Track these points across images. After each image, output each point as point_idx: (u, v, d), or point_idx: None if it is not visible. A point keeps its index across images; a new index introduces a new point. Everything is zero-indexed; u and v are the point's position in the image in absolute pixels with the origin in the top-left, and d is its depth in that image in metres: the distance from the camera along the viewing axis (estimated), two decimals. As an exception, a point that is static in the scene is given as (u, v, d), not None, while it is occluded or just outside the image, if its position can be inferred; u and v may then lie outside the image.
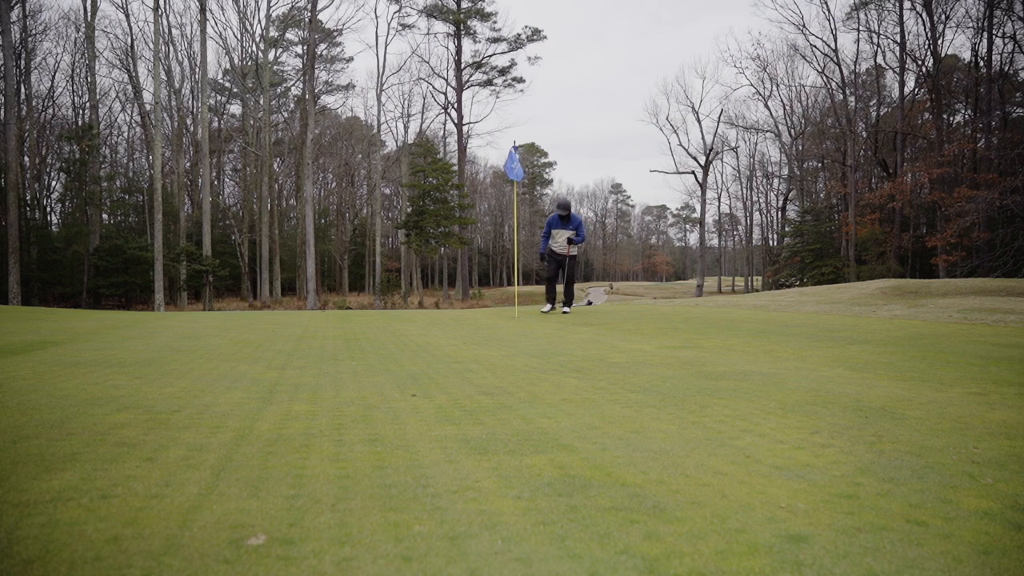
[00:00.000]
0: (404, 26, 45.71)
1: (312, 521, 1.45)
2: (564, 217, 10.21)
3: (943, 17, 33.96)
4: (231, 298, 44.38)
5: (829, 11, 60.59)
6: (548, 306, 10.43)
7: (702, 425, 2.44)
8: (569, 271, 10.18)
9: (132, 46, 39.50)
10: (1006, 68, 32.85)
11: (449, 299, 45.55)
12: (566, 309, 10.26)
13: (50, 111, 41.00)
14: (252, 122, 43.99)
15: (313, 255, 32.94)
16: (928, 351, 4.79)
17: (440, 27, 46.65)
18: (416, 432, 2.33)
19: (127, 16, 40.50)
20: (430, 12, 44.16)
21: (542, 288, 10.56)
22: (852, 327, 6.96)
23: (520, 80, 48.86)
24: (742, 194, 63.71)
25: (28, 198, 35.27)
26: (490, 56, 47.25)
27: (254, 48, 43.71)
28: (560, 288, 10.52)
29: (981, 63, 32.71)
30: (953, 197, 27.22)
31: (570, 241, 10.12)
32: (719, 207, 72.03)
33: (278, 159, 50.27)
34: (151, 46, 33.57)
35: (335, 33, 45.21)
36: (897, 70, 37.77)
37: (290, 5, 41.86)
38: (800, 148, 49.54)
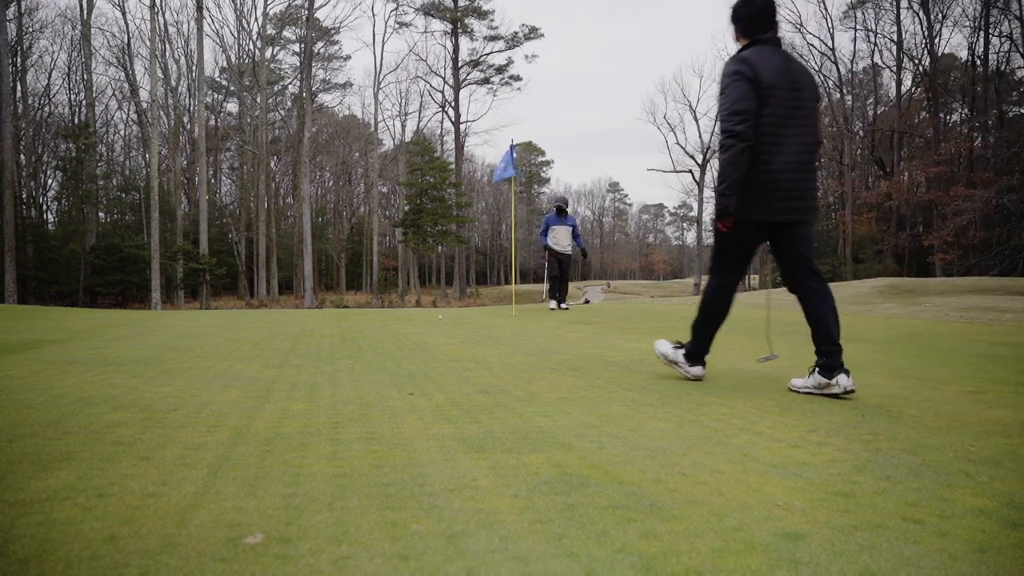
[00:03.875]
0: (401, 24, 45.73)
1: (309, 520, 1.45)
2: (561, 211, 10.52)
3: (940, 16, 34.04)
4: (228, 297, 44.27)
5: (826, 10, 60.43)
6: (554, 303, 10.58)
7: (699, 423, 2.44)
8: (566, 271, 10.68)
9: (129, 44, 39.42)
10: (1002, 67, 32.94)
11: (447, 297, 45.56)
12: (565, 305, 10.50)
13: (46, 109, 40.89)
14: (249, 120, 43.89)
15: (310, 253, 32.90)
16: (924, 349, 4.80)
17: (437, 25, 46.58)
18: (413, 431, 2.32)
19: (123, 14, 40.63)
20: (427, 10, 44.11)
21: (540, 287, 10.59)
22: (849, 326, 6.96)
23: (517, 78, 48.85)
24: (740, 193, 63.66)
25: (24, 196, 35.16)
26: (487, 54, 47.24)
27: (251, 46, 43.64)
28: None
29: (978, 62, 32.79)
30: (950, 196, 27.28)
31: (574, 236, 10.55)
32: (717, 206, 71.92)
33: (275, 157, 50.18)
34: (148, 44, 33.50)
35: (332, 31, 45.15)
36: (894, 69, 37.86)
37: (287, 3, 41.81)
38: (797, 147, 49.47)
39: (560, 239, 10.49)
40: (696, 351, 3.42)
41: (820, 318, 3.06)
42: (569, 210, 10.82)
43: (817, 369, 3.00)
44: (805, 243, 3.14)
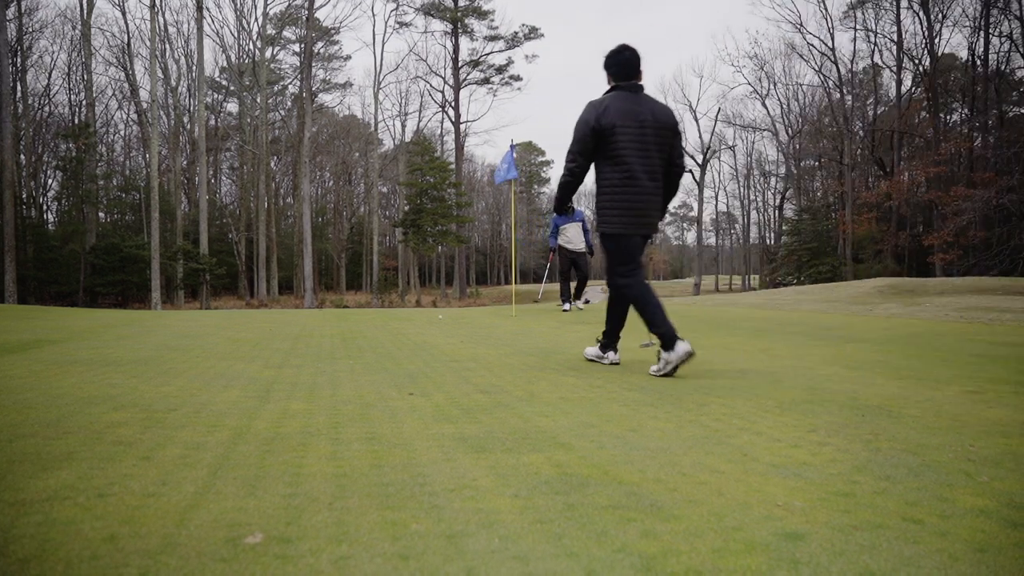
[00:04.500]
0: (401, 24, 45.74)
1: (309, 520, 1.45)
2: (568, 209, 10.37)
3: (940, 16, 34.04)
4: (228, 296, 44.27)
5: (826, 10, 60.55)
6: (567, 304, 10.35)
7: (699, 423, 2.44)
8: (583, 268, 10.35)
9: (129, 44, 39.43)
10: (1002, 67, 32.93)
11: (447, 297, 45.59)
12: (581, 306, 10.33)
13: (46, 109, 40.88)
14: (249, 120, 43.90)
15: (311, 253, 32.91)
16: (924, 349, 4.80)
17: (437, 25, 46.61)
18: (413, 431, 2.32)
19: (123, 14, 40.66)
20: (427, 10, 44.11)
21: (540, 287, 10.62)
22: (849, 325, 6.98)
23: (517, 78, 48.84)
24: (739, 192, 63.80)
25: (24, 196, 35.16)
26: (487, 54, 47.23)
27: (251, 46, 43.63)
28: (573, 285, 10.63)
29: (978, 62, 32.78)
30: (950, 196, 27.28)
31: (584, 231, 10.32)
32: (716, 206, 72.14)
33: (275, 157, 50.16)
34: (148, 44, 33.51)
35: (332, 31, 45.16)
36: (894, 69, 37.85)
37: (287, 3, 41.81)
38: (797, 147, 49.60)
39: (572, 237, 10.31)
40: (664, 335, 3.72)
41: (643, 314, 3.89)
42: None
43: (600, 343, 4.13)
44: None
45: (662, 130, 3.77)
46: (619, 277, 3.93)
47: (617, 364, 4.09)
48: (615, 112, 3.69)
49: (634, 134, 3.69)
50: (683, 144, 4.04)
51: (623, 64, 3.82)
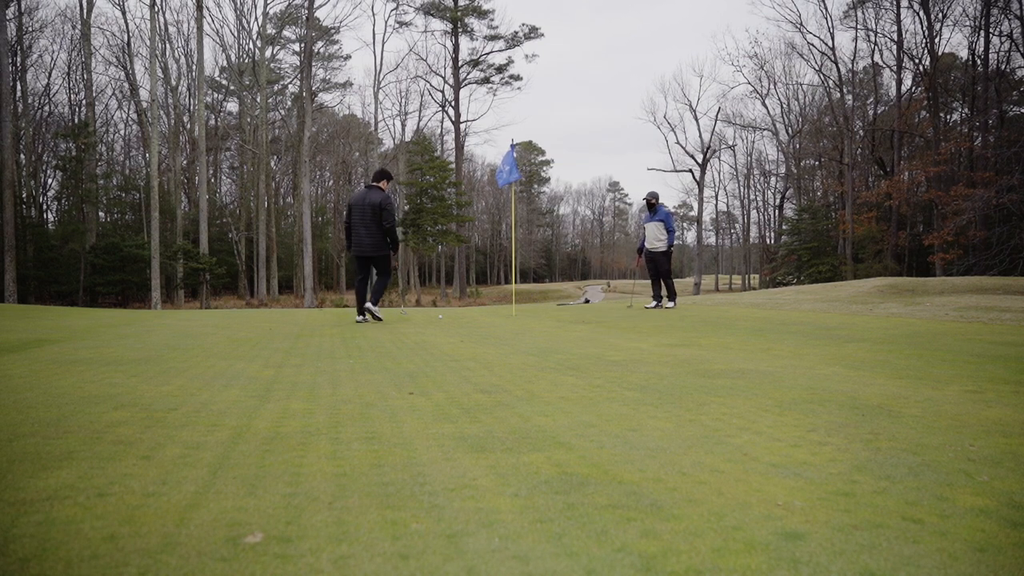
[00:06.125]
0: (401, 24, 45.80)
1: (309, 519, 1.45)
2: (651, 206, 10.58)
3: (940, 15, 34.06)
4: (228, 296, 44.27)
5: (827, 9, 60.92)
6: (652, 303, 10.51)
7: (699, 423, 2.44)
8: (662, 267, 10.45)
9: (128, 43, 39.43)
10: (1003, 66, 32.93)
11: (447, 297, 45.59)
12: (670, 304, 10.34)
13: (46, 108, 40.93)
14: (249, 120, 43.91)
15: (310, 253, 32.91)
16: (924, 349, 4.80)
17: (437, 24, 46.63)
18: (413, 430, 2.32)
19: (123, 13, 40.64)
20: (427, 10, 44.15)
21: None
22: (849, 325, 6.97)
23: (517, 78, 48.91)
24: (739, 192, 63.82)
25: (24, 196, 35.15)
26: (487, 54, 47.29)
27: (251, 45, 43.64)
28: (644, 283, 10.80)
29: (978, 61, 32.79)
30: (950, 195, 27.28)
31: (667, 230, 10.42)
32: (716, 205, 72.16)
33: (275, 157, 50.15)
34: (148, 43, 33.47)
35: (332, 31, 45.18)
36: (894, 68, 37.85)
37: (287, 2, 41.79)
38: (797, 146, 49.60)
39: (649, 237, 10.44)
40: (359, 309, 8.18)
41: (373, 290, 8.10)
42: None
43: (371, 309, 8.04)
44: (375, 265, 8.09)
45: (372, 206, 7.82)
46: (356, 274, 8.34)
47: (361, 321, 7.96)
48: (354, 198, 8.04)
49: (359, 209, 7.88)
50: (392, 211, 7.94)
51: (375, 175, 8.07)
